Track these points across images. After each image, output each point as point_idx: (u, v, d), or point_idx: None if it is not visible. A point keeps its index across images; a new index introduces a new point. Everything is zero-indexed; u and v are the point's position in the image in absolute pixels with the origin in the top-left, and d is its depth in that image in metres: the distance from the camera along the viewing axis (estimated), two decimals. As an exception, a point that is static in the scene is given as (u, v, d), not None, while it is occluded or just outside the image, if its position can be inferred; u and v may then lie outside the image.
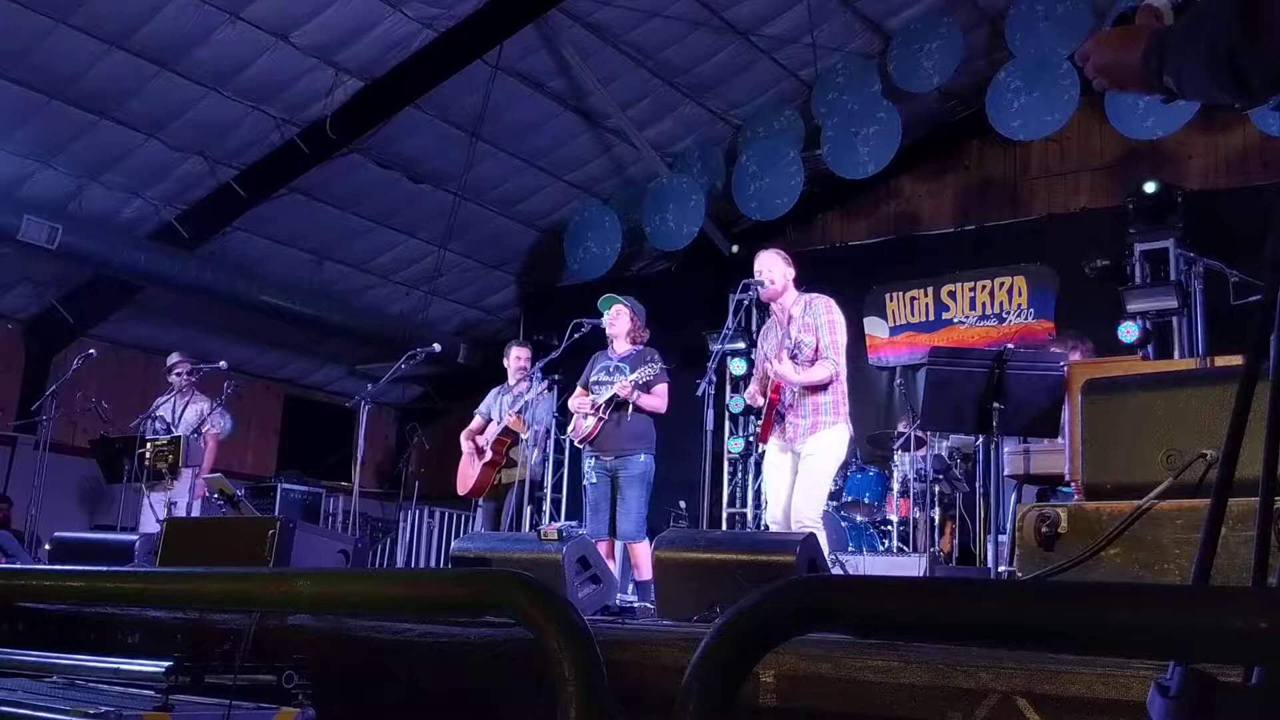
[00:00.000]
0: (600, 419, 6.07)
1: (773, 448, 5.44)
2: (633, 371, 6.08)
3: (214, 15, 7.91)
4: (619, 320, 6.30)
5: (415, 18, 8.35)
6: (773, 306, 5.58)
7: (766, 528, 5.55)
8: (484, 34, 8.55)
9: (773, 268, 5.49)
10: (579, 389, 6.35)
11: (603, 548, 5.91)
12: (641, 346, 6.32)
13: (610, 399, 6.04)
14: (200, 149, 9.14)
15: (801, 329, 5.30)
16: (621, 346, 6.34)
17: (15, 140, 8.55)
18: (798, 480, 5.29)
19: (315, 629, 3.44)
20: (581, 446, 6.30)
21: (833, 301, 5.43)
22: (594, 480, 6.19)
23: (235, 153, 9.27)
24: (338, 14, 8.16)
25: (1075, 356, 5.84)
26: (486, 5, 8.34)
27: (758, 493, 9.83)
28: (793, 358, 5.20)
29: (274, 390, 12.33)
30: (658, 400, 6.11)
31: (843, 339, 5.36)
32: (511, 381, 7.24)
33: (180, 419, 7.91)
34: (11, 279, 9.98)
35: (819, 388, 5.25)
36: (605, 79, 9.33)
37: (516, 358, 7.26)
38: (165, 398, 8.17)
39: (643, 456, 6.08)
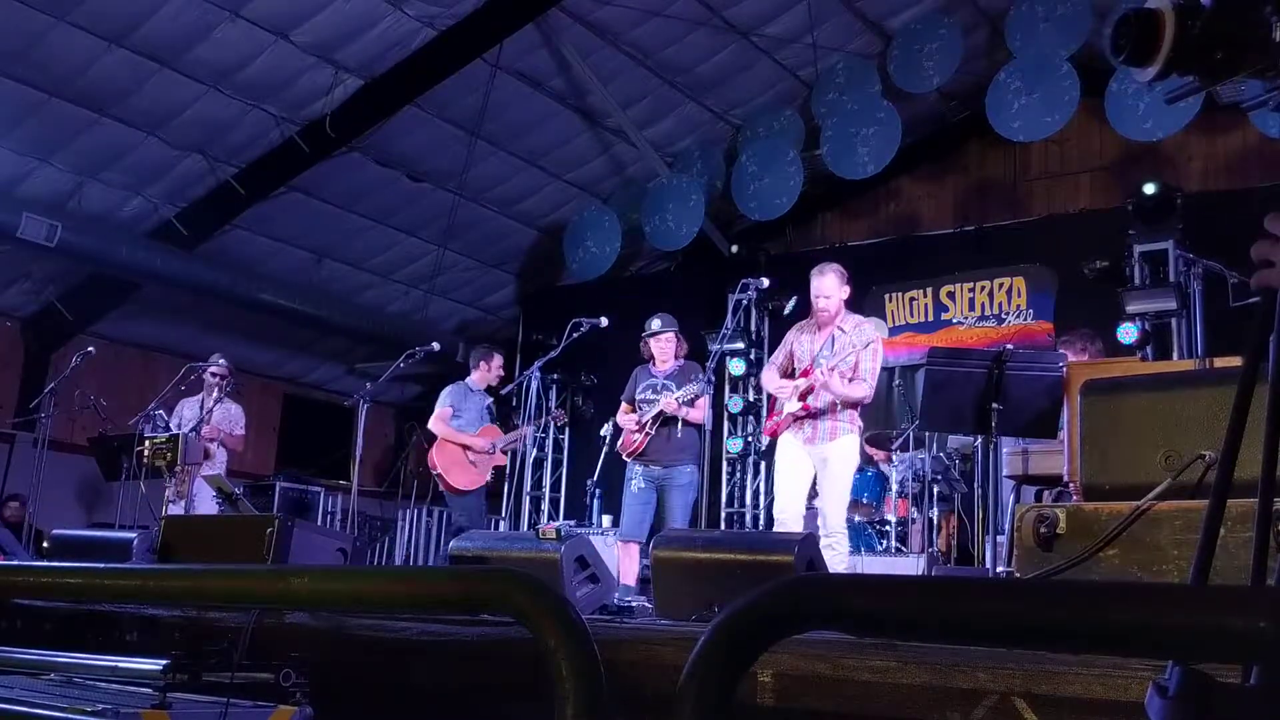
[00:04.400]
0: (647, 434, 6.33)
1: (790, 445, 5.65)
2: (678, 388, 6.34)
3: (214, 13, 7.91)
4: (668, 347, 6.53)
5: (415, 16, 8.34)
6: (819, 316, 5.76)
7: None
8: (484, 33, 8.55)
9: (831, 294, 5.70)
10: (624, 405, 6.61)
11: (634, 549, 6.29)
12: (683, 361, 6.57)
13: (657, 415, 6.31)
14: (200, 147, 9.13)
15: (848, 347, 5.57)
16: (665, 364, 6.54)
17: (15, 138, 8.53)
18: (826, 491, 5.59)
19: (313, 627, 3.44)
20: (628, 459, 6.53)
21: (879, 327, 5.66)
22: (642, 485, 6.40)
23: (235, 151, 9.26)
24: (338, 12, 8.15)
25: (1084, 357, 5.85)
26: (486, 4, 8.33)
27: (756, 492, 9.83)
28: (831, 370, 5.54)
29: (273, 389, 12.32)
30: (700, 413, 6.41)
31: (879, 366, 5.69)
32: (482, 387, 7.65)
33: (211, 417, 7.98)
34: (11, 277, 9.97)
35: (835, 399, 5.56)
36: (605, 78, 9.33)
37: (498, 366, 7.74)
38: (193, 399, 8.22)
39: (689, 467, 6.37)
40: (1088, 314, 8.09)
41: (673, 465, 6.32)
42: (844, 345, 5.59)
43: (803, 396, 5.56)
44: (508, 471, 8.00)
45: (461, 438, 7.43)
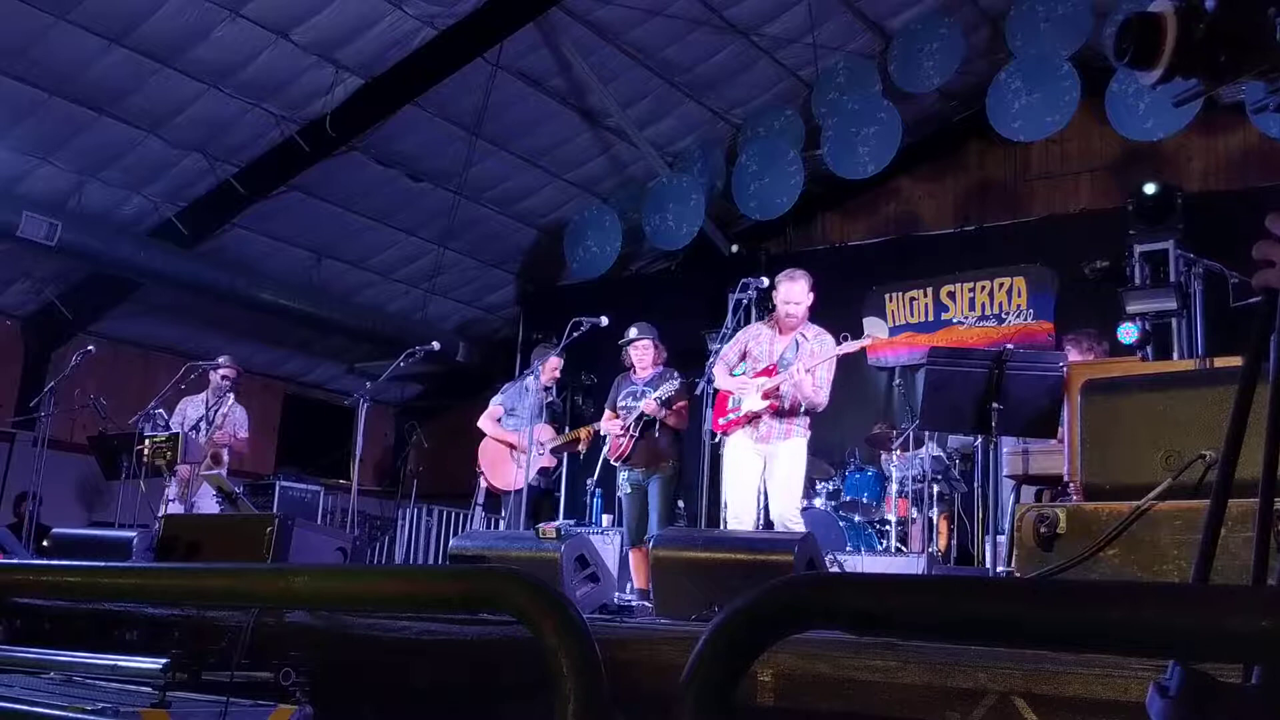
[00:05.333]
0: (632, 437, 6.55)
1: (741, 447, 5.71)
2: (655, 392, 6.53)
3: (214, 12, 7.90)
4: (646, 354, 6.78)
5: (416, 15, 8.34)
6: (784, 321, 5.80)
7: (768, 521, 5.71)
8: (484, 32, 8.55)
9: (802, 300, 5.76)
10: (608, 412, 6.84)
11: (637, 554, 6.42)
12: (661, 368, 6.77)
13: (639, 418, 6.54)
14: (200, 146, 9.13)
15: (812, 354, 5.65)
16: (644, 371, 6.78)
17: (15, 136, 8.53)
18: (778, 484, 5.66)
19: (313, 627, 3.44)
20: (616, 464, 6.73)
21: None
22: (628, 491, 6.68)
23: (235, 150, 9.26)
24: (338, 11, 8.14)
25: (1090, 357, 5.85)
26: (487, 3, 8.32)
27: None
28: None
29: (273, 388, 12.32)
30: (677, 418, 6.60)
31: (832, 378, 5.77)
32: (538, 385, 7.43)
33: (220, 416, 7.98)
34: (11, 275, 9.97)
35: (797, 401, 5.65)
36: (605, 78, 9.32)
37: (553, 368, 7.50)
38: (196, 397, 8.22)
39: (668, 466, 6.58)
40: (1088, 314, 8.09)
41: (653, 466, 6.56)
42: (808, 351, 5.67)
43: (767, 395, 5.60)
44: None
45: (506, 436, 7.41)
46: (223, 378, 8.11)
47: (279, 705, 2.82)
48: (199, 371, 8.04)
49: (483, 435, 7.60)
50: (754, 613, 0.98)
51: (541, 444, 7.38)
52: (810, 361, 5.59)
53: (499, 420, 7.53)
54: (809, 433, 5.75)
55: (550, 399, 7.67)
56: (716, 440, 6.02)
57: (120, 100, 8.51)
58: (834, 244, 10.78)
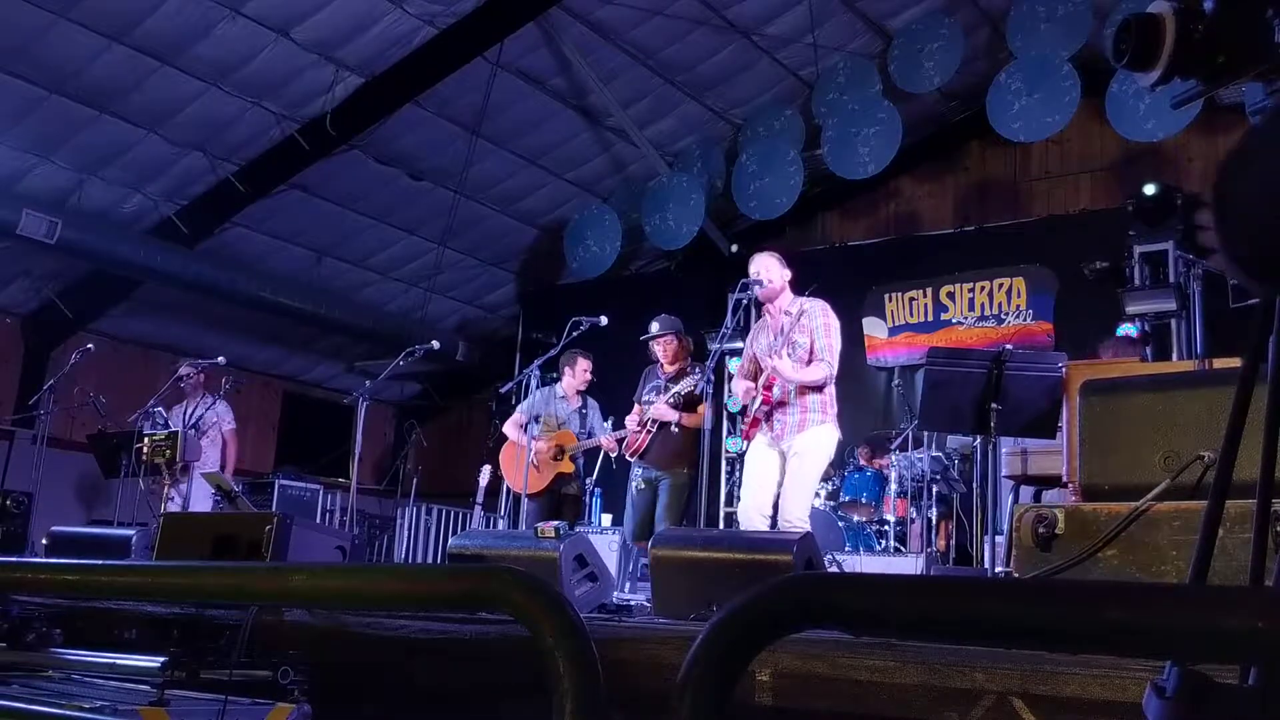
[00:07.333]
0: (649, 433, 6.41)
1: (759, 444, 5.53)
2: (675, 386, 6.39)
3: (215, 10, 7.91)
4: (668, 349, 6.63)
5: (416, 14, 8.34)
6: (768, 307, 5.64)
7: (773, 521, 5.50)
8: (485, 31, 8.55)
9: (769, 268, 5.56)
10: (636, 406, 6.65)
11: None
12: (689, 363, 6.65)
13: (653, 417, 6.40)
14: (200, 145, 9.13)
15: (797, 331, 5.37)
16: (670, 366, 6.65)
17: (15, 135, 8.53)
18: (787, 480, 5.35)
19: (311, 625, 3.44)
20: (632, 460, 6.58)
21: (829, 305, 5.48)
22: (640, 487, 6.52)
23: (235, 149, 9.26)
24: (339, 10, 8.15)
25: None
26: (488, 2, 8.33)
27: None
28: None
29: (272, 386, 12.33)
30: (697, 417, 6.36)
31: (838, 343, 5.41)
32: (570, 392, 7.25)
33: (200, 420, 7.99)
34: (10, 273, 9.97)
35: (810, 388, 5.35)
36: (606, 77, 9.32)
37: (584, 370, 7.25)
38: (180, 403, 8.24)
39: (683, 469, 6.43)
40: (1088, 314, 8.10)
41: (667, 467, 6.40)
42: (794, 331, 5.40)
43: (765, 389, 5.44)
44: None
45: (521, 440, 7.13)
46: (184, 379, 8.14)
47: (277, 704, 2.82)
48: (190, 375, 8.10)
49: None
50: (752, 612, 0.98)
51: (562, 449, 7.09)
52: (779, 342, 5.35)
53: (523, 426, 7.11)
54: (828, 416, 5.36)
55: (584, 409, 7.25)
56: (743, 446, 5.81)
57: (120, 98, 8.51)
58: (834, 244, 10.78)
